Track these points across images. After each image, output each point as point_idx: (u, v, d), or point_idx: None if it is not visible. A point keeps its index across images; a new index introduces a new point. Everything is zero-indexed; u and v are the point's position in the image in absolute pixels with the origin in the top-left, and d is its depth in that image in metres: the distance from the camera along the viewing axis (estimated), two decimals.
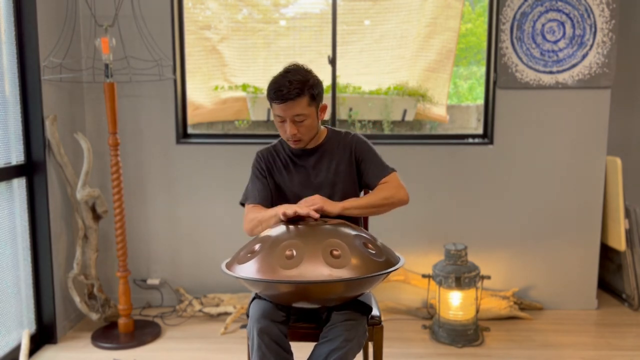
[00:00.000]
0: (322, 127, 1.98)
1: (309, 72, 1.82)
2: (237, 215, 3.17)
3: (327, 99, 3.29)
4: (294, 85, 1.75)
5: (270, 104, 1.83)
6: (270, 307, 1.69)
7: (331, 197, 1.91)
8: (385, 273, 1.58)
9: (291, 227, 1.69)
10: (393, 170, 1.94)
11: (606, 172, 3.17)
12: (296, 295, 1.56)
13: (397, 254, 1.77)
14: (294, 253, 1.55)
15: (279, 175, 1.96)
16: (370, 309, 1.80)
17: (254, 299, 1.80)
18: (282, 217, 1.74)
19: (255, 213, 1.90)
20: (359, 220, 2.04)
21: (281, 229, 1.69)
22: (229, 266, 1.67)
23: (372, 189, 1.95)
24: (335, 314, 1.68)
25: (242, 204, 2.01)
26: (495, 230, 3.18)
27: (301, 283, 1.50)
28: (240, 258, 1.65)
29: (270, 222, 1.81)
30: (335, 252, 1.56)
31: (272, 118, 3.35)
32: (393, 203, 1.87)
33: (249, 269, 1.57)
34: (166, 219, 3.19)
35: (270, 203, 1.95)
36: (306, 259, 1.53)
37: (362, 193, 2.05)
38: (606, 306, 3.28)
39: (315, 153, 1.94)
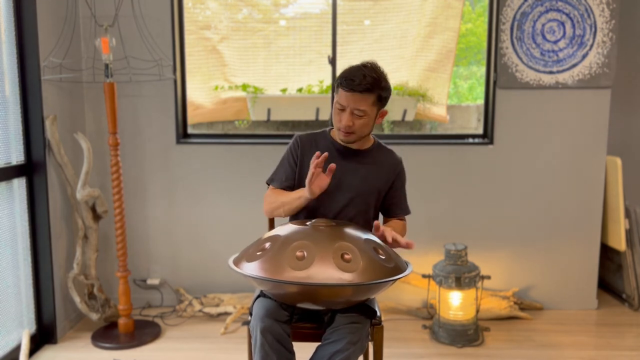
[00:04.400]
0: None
1: (383, 74, 1.82)
2: (237, 214, 3.17)
3: (327, 98, 3.29)
4: (367, 80, 1.75)
5: (336, 90, 1.84)
6: (275, 306, 1.69)
7: (350, 203, 1.91)
8: (394, 280, 1.58)
9: (302, 227, 1.68)
10: (409, 212, 2.03)
11: (606, 172, 3.18)
12: (304, 296, 1.56)
13: (405, 259, 1.77)
14: (305, 254, 1.55)
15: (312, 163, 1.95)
16: (375, 313, 1.80)
17: (257, 297, 1.80)
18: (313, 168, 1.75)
19: (277, 196, 1.92)
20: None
21: (292, 228, 1.69)
22: (236, 263, 1.66)
23: (386, 215, 2.01)
24: (339, 316, 1.68)
25: (268, 183, 2.02)
26: (495, 230, 3.18)
27: (312, 285, 1.49)
28: (249, 255, 1.64)
29: (294, 205, 1.84)
30: (346, 256, 1.56)
31: (272, 118, 3.36)
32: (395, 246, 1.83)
33: (257, 267, 1.57)
34: (166, 219, 3.19)
35: (292, 190, 1.96)
36: (317, 260, 1.53)
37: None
38: (606, 306, 3.28)
39: (357, 156, 1.93)
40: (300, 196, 1.82)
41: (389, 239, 1.72)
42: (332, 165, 1.76)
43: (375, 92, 1.78)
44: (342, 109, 1.81)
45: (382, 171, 1.94)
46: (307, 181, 1.76)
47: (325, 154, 1.75)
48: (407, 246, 1.71)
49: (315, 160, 1.74)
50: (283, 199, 1.89)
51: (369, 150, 1.95)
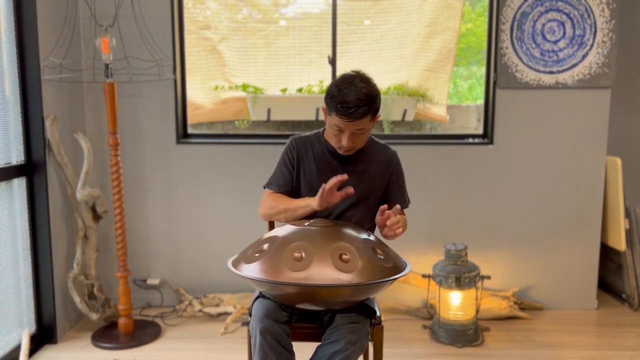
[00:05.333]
0: None
1: (373, 84, 1.77)
2: (238, 214, 3.17)
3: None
4: (362, 103, 1.71)
5: (328, 112, 1.79)
6: (274, 306, 1.69)
7: (352, 206, 1.91)
8: (392, 279, 1.58)
9: (300, 228, 1.68)
10: (409, 203, 2.01)
11: (606, 172, 3.18)
12: (303, 297, 1.56)
13: (404, 259, 1.77)
14: (303, 255, 1.55)
15: (308, 167, 1.93)
16: (374, 312, 1.80)
17: (257, 297, 1.80)
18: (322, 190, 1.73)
19: (278, 201, 1.89)
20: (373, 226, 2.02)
21: (290, 229, 1.68)
22: (235, 264, 1.66)
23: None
24: (339, 316, 1.68)
25: (265, 188, 2.00)
26: (495, 230, 3.18)
27: (310, 286, 1.49)
28: (247, 257, 1.64)
29: (298, 213, 1.82)
30: (344, 256, 1.55)
31: (272, 118, 3.36)
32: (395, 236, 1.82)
33: (256, 269, 1.57)
34: (166, 219, 3.19)
35: (291, 194, 1.95)
36: (315, 261, 1.53)
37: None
38: (606, 306, 3.28)
39: (352, 157, 1.92)
40: (306, 205, 1.80)
41: (389, 223, 1.69)
42: (350, 190, 1.73)
43: (372, 110, 1.76)
44: (340, 130, 1.78)
45: (378, 168, 1.94)
46: (319, 196, 1.73)
47: (345, 176, 1.72)
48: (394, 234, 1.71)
49: (334, 181, 1.71)
50: (285, 205, 1.86)
51: (363, 149, 1.94)
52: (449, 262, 2.81)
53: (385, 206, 1.72)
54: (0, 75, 2.49)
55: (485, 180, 3.15)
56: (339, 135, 1.80)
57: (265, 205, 1.92)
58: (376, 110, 1.79)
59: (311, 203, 1.78)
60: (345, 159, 1.92)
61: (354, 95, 1.71)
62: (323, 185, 1.72)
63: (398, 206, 1.71)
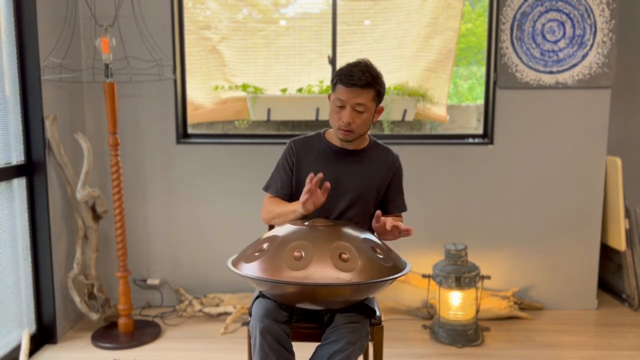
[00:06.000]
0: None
1: (378, 71, 1.84)
2: (238, 214, 3.17)
3: (327, 98, 3.29)
4: (365, 75, 1.77)
5: (333, 88, 1.83)
6: (274, 306, 1.69)
7: (351, 205, 1.91)
8: (392, 279, 1.58)
9: (300, 227, 1.68)
10: (405, 209, 2.02)
11: (606, 172, 3.17)
12: (302, 296, 1.56)
13: (404, 258, 1.77)
14: (303, 254, 1.55)
15: (308, 168, 1.92)
16: (374, 312, 1.80)
17: (257, 297, 1.80)
18: (303, 211, 1.75)
19: (274, 206, 1.91)
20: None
21: (289, 228, 1.69)
22: (235, 264, 1.66)
23: (382, 212, 1.96)
24: (338, 316, 1.68)
25: (265, 190, 2.01)
26: (495, 230, 3.18)
27: (310, 285, 1.49)
28: (247, 256, 1.65)
29: (289, 217, 1.83)
30: (344, 256, 1.55)
31: (272, 118, 3.36)
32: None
33: (256, 268, 1.57)
34: (166, 219, 3.19)
35: (290, 197, 1.95)
36: (315, 260, 1.53)
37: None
38: (606, 306, 3.28)
39: (354, 156, 1.92)
40: (295, 210, 1.80)
41: (389, 227, 1.70)
42: (327, 184, 1.74)
43: (375, 87, 1.79)
44: (342, 106, 1.80)
45: (379, 170, 1.94)
46: (300, 200, 1.74)
47: (320, 175, 1.72)
48: (407, 232, 1.70)
49: (309, 183, 1.71)
50: (278, 210, 1.88)
51: (365, 149, 1.94)
52: (449, 262, 2.81)
53: (380, 212, 1.73)
54: (0, 75, 2.49)
55: (485, 180, 3.15)
56: (340, 112, 1.81)
57: (264, 209, 1.96)
58: (379, 93, 1.82)
59: (297, 208, 1.78)
60: (347, 159, 1.92)
61: (358, 68, 1.78)
62: (305, 187, 1.72)
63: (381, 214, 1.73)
